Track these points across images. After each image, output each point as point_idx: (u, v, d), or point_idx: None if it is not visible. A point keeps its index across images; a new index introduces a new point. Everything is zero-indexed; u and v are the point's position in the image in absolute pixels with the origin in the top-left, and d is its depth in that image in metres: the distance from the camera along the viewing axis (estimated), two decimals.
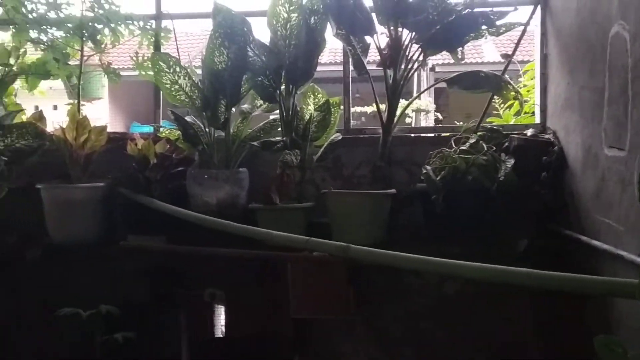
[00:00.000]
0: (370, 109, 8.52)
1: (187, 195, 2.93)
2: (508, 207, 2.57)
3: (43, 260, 3.08)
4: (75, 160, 2.99)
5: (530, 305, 2.86)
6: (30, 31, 3.17)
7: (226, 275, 2.96)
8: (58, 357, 3.12)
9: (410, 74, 2.93)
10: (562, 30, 2.87)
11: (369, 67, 2.94)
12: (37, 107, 4.51)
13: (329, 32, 2.95)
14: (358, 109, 8.51)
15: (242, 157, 3.03)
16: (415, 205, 2.89)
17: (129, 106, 12.42)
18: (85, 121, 2.99)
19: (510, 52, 3.12)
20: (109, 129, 3.14)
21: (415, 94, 8.56)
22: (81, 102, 3.19)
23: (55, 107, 8.21)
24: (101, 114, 9.28)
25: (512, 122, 3.59)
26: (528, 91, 3.72)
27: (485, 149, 2.65)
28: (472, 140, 2.73)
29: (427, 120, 8.81)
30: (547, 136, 2.91)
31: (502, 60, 3.23)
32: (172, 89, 2.96)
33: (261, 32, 2.98)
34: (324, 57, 3.03)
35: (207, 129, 2.98)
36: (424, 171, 2.66)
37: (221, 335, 3.07)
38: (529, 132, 2.95)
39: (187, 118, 2.99)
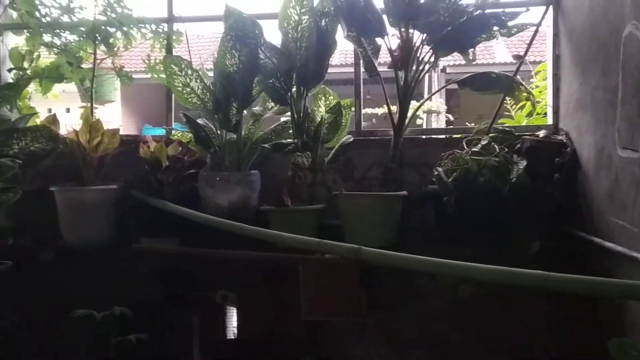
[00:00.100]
0: (381, 110, 8.50)
1: (199, 197, 2.94)
2: (520, 208, 2.55)
3: (57, 262, 3.11)
4: (88, 163, 3.01)
5: (543, 307, 2.84)
6: (44, 35, 3.21)
7: (238, 277, 2.97)
8: (72, 359, 3.14)
9: (421, 76, 2.92)
10: (575, 31, 2.85)
11: (380, 68, 2.94)
12: (50, 110, 4.55)
13: (340, 34, 2.96)
14: (369, 110, 8.49)
15: (254, 159, 3.04)
16: (426, 206, 2.88)
17: (140, 108, 12.50)
18: (98, 124, 3.02)
19: (521, 53, 3.10)
20: (121, 132, 3.16)
21: (426, 95, 8.53)
22: (94, 105, 3.21)
23: (68, 110, 8.26)
24: (113, 116, 9.34)
25: (524, 123, 3.57)
26: (540, 92, 3.70)
27: (497, 150, 2.64)
28: (484, 142, 2.72)
29: (439, 122, 8.78)
30: (559, 137, 2.89)
31: (514, 61, 3.21)
32: (184, 91, 2.97)
33: (272, 34, 3.00)
34: (334, 59, 3.03)
35: (218, 132, 3.00)
36: (436, 173, 2.65)
37: (233, 337, 3.09)
38: (541, 133, 2.93)
39: (199, 120, 3.00)
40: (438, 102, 8.91)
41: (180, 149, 3.05)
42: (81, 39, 3.19)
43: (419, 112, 6.91)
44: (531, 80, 3.90)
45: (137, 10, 3.20)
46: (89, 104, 3.20)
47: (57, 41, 3.21)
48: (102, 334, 2.86)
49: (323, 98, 3.09)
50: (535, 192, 2.58)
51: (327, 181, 3.13)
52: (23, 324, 3.10)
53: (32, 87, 3.40)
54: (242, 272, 2.96)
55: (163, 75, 3.06)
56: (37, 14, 3.15)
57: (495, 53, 10.79)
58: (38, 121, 3.23)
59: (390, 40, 2.89)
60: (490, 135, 2.84)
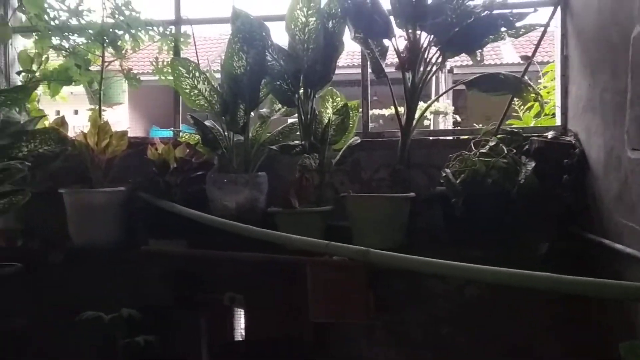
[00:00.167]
0: (388, 111, 8.49)
1: (206, 199, 2.95)
2: (529, 210, 2.54)
3: (65, 264, 3.12)
4: (96, 165, 3.03)
5: (551, 309, 2.83)
6: (53, 38, 3.23)
7: (245, 279, 2.98)
8: None
9: (429, 77, 2.91)
10: (583, 31, 2.84)
11: (387, 69, 2.93)
12: (58, 112, 4.57)
13: (347, 36, 2.95)
14: (376, 111, 8.48)
15: (261, 161, 3.04)
16: (434, 208, 2.88)
17: (148, 110, 12.55)
18: (106, 126, 3.03)
19: (528, 53, 3.09)
20: (129, 134, 3.17)
21: (433, 96, 8.52)
22: (102, 108, 3.22)
23: (76, 112, 8.31)
24: (121, 118, 9.38)
25: (532, 124, 3.56)
26: (548, 92, 3.68)
27: (506, 151, 2.64)
28: (492, 143, 2.72)
29: (446, 123, 8.77)
30: (568, 138, 2.88)
31: (521, 62, 3.20)
32: (192, 93, 2.98)
33: (279, 36, 3.00)
34: (341, 60, 3.03)
35: (226, 133, 3.00)
36: (444, 174, 2.65)
37: (241, 339, 3.09)
38: (550, 134, 2.91)
39: (206, 122, 3.01)
40: (445, 103, 8.90)
41: (188, 150, 3.06)
42: (89, 41, 3.20)
43: (427, 113, 6.89)
44: (539, 81, 3.89)
45: (145, 13, 3.22)
46: (97, 107, 3.21)
47: (65, 44, 3.23)
48: (110, 336, 2.86)
49: (330, 100, 3.09)
50: (543, 194, 2.57)
51: (335, 183, 3.13)
52: (32, 325, 3.11)
53: (40, 90, 3.42)
54: (249, 274, 2.96)
55: (170, 78, 3.06)
56: (45, 17, 3.17)
57: (502, 53, 10.77)
58: (47, 123, 3.25)
59: (397, 41, 2.89)
60: (498, 136, 2.83)
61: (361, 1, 2.85)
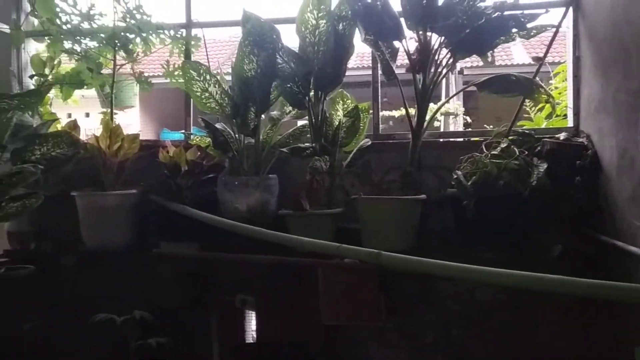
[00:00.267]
0: (398, 113, 8.48)
1: (217, 201, 2.96)
2: (541, 212, 2.53)
3: (78, 266, 3.14)
4: (108, 167, 3.05)
5: (563, 311, 2.80)
6: (65, 42, 3.25)
7: (257, 281, 2.98)
8: None
9: (439, 78, 2.90)
10: (595, 32, 2.82)
11: (397, 71, 2.93)
12: (69, 115, 4.60)
13: (357, 38, 2.95)
14: (386, 112, 8.47)
15: (272, 164, 3.05)
16: (445, 210, 2.87)
17: (158, 112, 12.59)
18: (118, 129, 3.05)
19: (539, 53, 3.08)
20: (140, 137, 3.19)
21: (443, 97, 8.51)
22: (114, 111, 3.24)
23: (87, 115, 8.37)
24: (132, 120, 9.43)
25: (543, 126, 3.54)
26: (559, 93, 3.66)
27: (517, 153, 2.63)
28: (503, 145, 2.71)
29: (456, 124, 8.74)
30: (580, 139, 2.86)
31: (532, 62, 3.20)
32: (203, 96, 2.99)
33: (290, 39, 3.01)
34: (351, 62, 3.02)
35: (237, 136, 3.01)
36: (455, 176, 2.64)
37: (252, 341, 3.10)
38: (562, 135, 2.90)
39: (217, 125, 3.02)
40: (456, 105, 8.87)
41: (199, 153, 3.07)
42: (101, 45, 3.23)
43: (437, 115, 6.88)
44: (550, 82, 3.86)
45: (156, 16, 3.24)
46: (109, 110, 3.23)
47: (77, 48, 3.25)
48: (123, 337, 2.88)
49: (341, 102, 3.10)
50: (556, 195, 2.56)
51: (345, 185, 3.13)
52: (44, 327, 3.13)
53: (52, 93, 3.44)
54: (260, 276, 2.96)
55: (182, 81, 3.08)
56: (58, 21, 3.20)
57: (512, 54, 10.71)
58: (59, 127, 3.27)
59: (408, 43, 2.88)
60: (510, 138, 2.82)
61: (371, 3, 2.84)
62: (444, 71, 2.91)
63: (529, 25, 2.77)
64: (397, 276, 2.85)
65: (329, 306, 2.63)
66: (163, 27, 3.25)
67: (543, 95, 2.85)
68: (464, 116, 9.11)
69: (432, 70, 2.86)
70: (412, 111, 2.94)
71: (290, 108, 3.13)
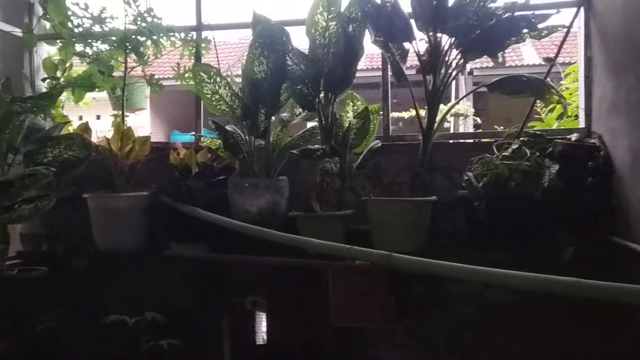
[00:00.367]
0: (407, 114, 8.47)
1: (228, 203, 2.97)
2: (553, 213, 2.52)
3: (89, 268, 3.15)
4: (120, 170, 3.06)
5: (576, 314, 2.78)
6: (77, 45, 3.27)
7: (267, 282, 2.98)
8: None
9: (450, 80, 2.90)
10: (607, 32, 2.80)
11: (407, 72, 2.93)
12: (81, 118, 4.63)
13: (367, 39, 2.95)
14: (395, 114, 8.46)
15: (282, 165, 3.05)
16: (456, 211, 2.85)
17: (169, 114, 12.65)
18: (129, 132, 3.07)
19: (549, 54, 3.08)
20: (151, 139, 3.20)
21: (453, 98, 8.47)
22: (125, 113, 3.26)
23: (98, 117, 8.44)
24: (143, 122, 9.48)
25: (554, 127, 3.52)
26: (570, 94, 3.64)
27: (529, 154, 2.61)
28: (514, 146, 2.69)
29: (466, 125, 8.71)
30: (592, 140, 2.84)
31: (542, 63, 3.18)
32: (213, 98, 3.00)
33: (300, 41, 3.01)
34: (360, 63, 3.03)
35: (247, 138, 3.02)
36: (466, 178, 2.63)
37: (262, 342, 3.10)
38: (574, 136, 2.88)
39: (228, 127, 3.03)
40: (465, 106, 8.85)
41: (210, 155, 3.08)
42: (112, 48, 3.24)
43: (447, 116, 6.86)
44: (561, 82, 3.85)
45: (167, 19, 3.25)
46: (120, 112, 3.25)
47: (89, 51, 3.27)
48: (134, 339, 2.89)
49: (351, 103, 3.10)
50: (568, 197, 2.54)
51: (356, 186, 3.12)
52: (56, 329, 3.15)
53: (64, 96, 3.47)
54: (271, 278, 2.97)
55: (192, 83, 3.09)
56: (69, 24, 3.22)
57: (522, 55, 10.67)
58: (71, 129, 3.30)
59: (418, 44, 2.88)
60: (521, 139, 2.81)
61: (381, 4, 2.84)
62: (454, 72, 2.90)
63: (540, 26, 2.75)
64: (408, 278, 2.84)
65: (339, 308, 2.62)
66: (173, 30, 3.26)
67: (554, 96, 2.84)
68: (474, 117, 9.08)
69: (443, 71, 2.85)
70: (422, 112, 2.94)
71: (300, 110, 3.14)
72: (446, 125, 7.93)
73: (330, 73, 2.90)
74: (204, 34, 3.43)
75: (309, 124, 3.29)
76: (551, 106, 3.60)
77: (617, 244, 2.53)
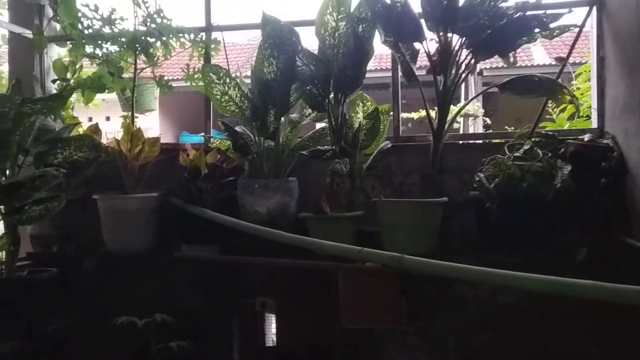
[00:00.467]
0: (416, 114, 8.44)
1: (237, 204, 2.96)
2: (565, 215, 2.49)
3: (99, 269, 3.16)
4: (129, 171, 3.06)
5: (590, 317, 2.75)
6: (87, 46, 3.28)
7: (277, 284, 2.98)
8: None
9: (460, 80, 2.88)
10: (620, 32, 2.77)
11: (417, 73, 2.91)
12: (90, 119, 4.65)
13: (377, 40, 2.94)
14: (404, 115, 8.44)
15: (292, 166, 3.04)
16: (467, 212, 2.83)
17: (177, 115, 12.69)
18: (139, 133, 3.07)
19: (560, 53, 3.05)
20: (160, 140, 3.20)
21: (462, 99, 8.45)
22: (135, 114, 3.26)
23: (107, 119, 8.46)
24: (152, 124, 9.51)
25: (566, 127, 3.49)
26: (582, 94, 3.61)
27: (541, 155, 2.58)
28: (526, 147, 2.66)
29: (476, 126, 8.67)
30: (605, 141, 2.80)
31: (552, 63, 3.16)
32: (223, 99, 2.99)
33: (309, 41, 3.00)
34: (369, 64, 3.02)
35: (256, 139, 3.01)
36: (477, 179, 2.60)
37: (272, 344, 3.09)
38: (586, 137, 2.84)
39: (237, 128, 3.02)
40: (475, 106, 8.81)
41: (219, 156, 3.08)
42: (122, 49, 3.25)
43: (457, 117, 6.83)
44: (572, 82, 3.81)
45: (176, 20, 3.25)
46: (130, 113, 3.25)
47: (99, 52, 3.28)
48: (144, 341, 2.89)
49: (361, 104, 3.08)
50: (580, 198, 2.51)
51: (366, 187, 3.11)
52: (66, 330, 3.16)
53: (74, 97, 3.48)
54: (281, 279, 2.96)
55: (201, 84, 3.09)
56: (79, 26, 3.23)
57: (532, 55, 10.61)
58: (81, 130, 3.30)
59: (428, 44, 2.85)
60: (533, 139, 2.78)
61: (391, 4, 2.83)
62: (465, 72, 2.88)
63: (551, 25, 2.72)
64: (419, 279, 2.83)
65: (349, 309, 2.61)
66: (183, 31, 3.26)
67: (567, 96, 2.81)
68: (484, 118, 9.04)
69: (453, 71, 2.83)
70: (433, 113, 2.92)
71: (310, 110, 3.13)
72: (455, 126, 7.89)
73: (340, 73, 2.88)
74: (213, 35, 3.42)
75: (318, 125, 3.28)
76: (562, 106, 3.57)
77: (630, 245, 2.50)
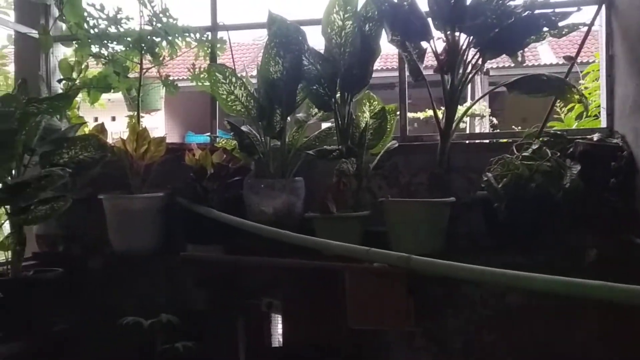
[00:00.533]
0: (423, 114, 8.42)
1: (243, 204, 2.95)
2: (574, 215, 2.47)
3: (105, 269, 3.15)
4: (135, 171, 3.05)
5: (597, 317, 2.73)
6: (92, 46, 3.27)
7: (283, 284, 2.96)
8: None
9: (468, 79, 2.86)
10: (629, 30, 2.75)
11: (424, 72, 2.89)
12: (96, 119, 4.65)
13: (384, 39, 2.92)
14: (410, 114, 8.42)
15: (298, 166, 3.03)
16: (474, 212, 2.81)
17: (183, 115, 12.71)
18: (145, 132, 3.06)
19: (568, 52, 3.01)
20: (166, 140, 3.19)
21: (469, 98, 8.41)
22: (140, 114, 3.25)
23: (113, 119, 8.47)
24: (158, 123, 9.52)
25: (574, 126, 3.47)
26: (590, 93, 3.59)
27: (549, 154, 2.56)
28: (534, 146, 2.64)
29: (482, 125, 8.64)
30: (614, 140, 2.78)
31: (560, 63, 3.14)
32: (229, 99, 2.98)
33: (315, 40, 2.98)
34: (375, 64, 3.00)
35: (262, 139, 3.00)
36: (485, 178, 2.58)
37: (278, 345, 3.08)
38: (595, 136, 2.82)
39: (243, 128, 3.01)
40: (482, 106, 8.78)
41: (225, 156, 3.06)
42: (128, 49, 3.23)
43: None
44: (580, 81, 3.79)
45: (182, 20, 3.24)
46: (136, 113, 3.24)
47: (104, 52, 3.27)
48: (150, 341, 2.88)
49: (367, 103, 3.06)
50: (590, 198, 2.49)
51: (372, 187, 3.09)
52: (72, 330, 3.16)
53: (80, 97, 3.47)
54: (287, 280, 2.95)
55: (207, 84, 3.08)
56: (85, 25, 3.21)
57: (539, 54, 10.57)
58: (86, 130, 3.30)
59: (435, 43, 2.84)
60: (541, 139, 2.76)
61: (398, 3, 2.81)
62: (473, 72, 2.86)
63: (560, 24, 2.70)
64: (425, 280, 2.81)
65: (356, 310, 2.59)
66: (189, 31, 3.25)
67: (575, 96, 2.78)
68: (490, 117, 9.02)
69: (461, 70, 2.81)
70: (440, 113, 2.90)
71: (316, 110, 3.11)
72: (462, 125, 7.87)
73: (347, 73, 2.87)
74: (219, 34, 3.41)
75: (325, 125, 3.26)
76: (570, 105, 3.55)
77: None
